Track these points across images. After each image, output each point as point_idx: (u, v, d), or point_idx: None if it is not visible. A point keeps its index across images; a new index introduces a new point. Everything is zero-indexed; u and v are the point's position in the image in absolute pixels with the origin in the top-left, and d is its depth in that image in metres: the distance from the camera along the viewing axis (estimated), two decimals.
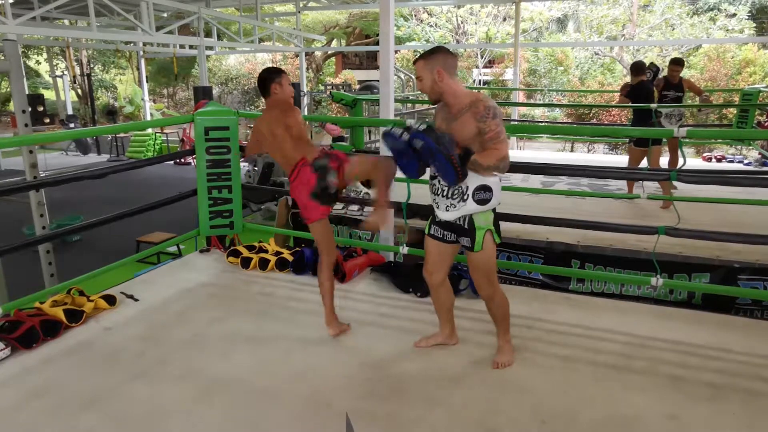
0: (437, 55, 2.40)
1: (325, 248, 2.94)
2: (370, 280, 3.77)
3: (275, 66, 2.99)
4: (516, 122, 11.11)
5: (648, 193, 5.18)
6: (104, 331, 3.06)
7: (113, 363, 2.71)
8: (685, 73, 15.38)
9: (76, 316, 3.09)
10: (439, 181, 2.46)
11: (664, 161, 5.93)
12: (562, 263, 4.39)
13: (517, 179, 6.49)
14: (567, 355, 2.77)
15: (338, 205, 5.22)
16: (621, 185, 5.97)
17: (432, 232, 2.64)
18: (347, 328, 3.01)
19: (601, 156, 12.02)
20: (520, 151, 11.54)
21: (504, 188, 5.23)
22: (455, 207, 2.44)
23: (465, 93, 2.42)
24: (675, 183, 3.57)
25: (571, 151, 13.98)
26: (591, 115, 15.14)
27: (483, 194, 2.41)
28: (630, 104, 5.61)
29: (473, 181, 2.37)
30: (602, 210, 5.15)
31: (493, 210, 2.50)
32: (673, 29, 17.61)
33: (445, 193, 2.45)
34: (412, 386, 2.50)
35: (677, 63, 5.84)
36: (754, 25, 17.28)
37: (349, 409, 2.24)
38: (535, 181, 6.45)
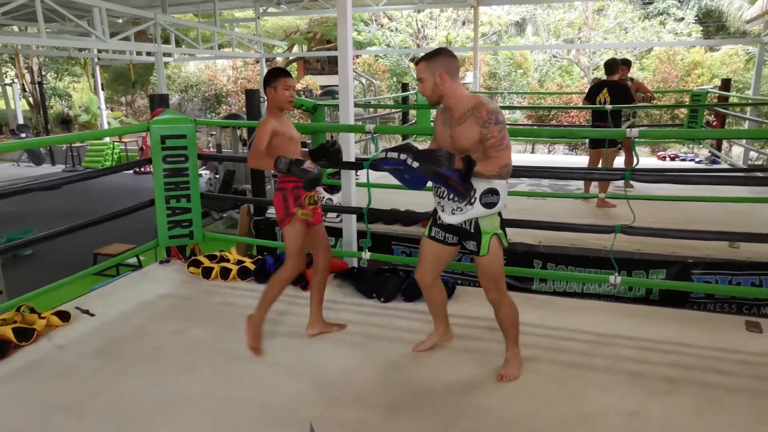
0: (439, 57, 2.35)
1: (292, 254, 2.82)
2: (333, 286, 3.74)
3: (279, 67, 2.92)
4: None
5: (609, 192, 5.30)
6: (57, 349, 2.94)
7: (66, 382, 2.61)
8: (638, 75, 15.88)
9: (26, 335, 2.96)
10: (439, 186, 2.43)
11: (619, 161, 6.07)
12: (524, 264, 4.45)
13: None
14: (529, 355, 2.79)
15: None
16: (581, 185, 6.10)
17: (433, 234, 2.60)
18: (260, 349, 2.80)
19: (561, 156, 12.29)
20: None
21: None
22: (462, 210, 2.40)
23: (467, 96, 2.37)
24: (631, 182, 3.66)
25: (532, 152, 14.24)
26: (551, 116, 15.46)
27: (490, 197, 2.36)
28: (588, 106, 5.74)
29: (480, 184, 2.33)
30: (563, 210, 5.25)
31: (499, 213, 2.46)
32: (626, 32, 18.17)
33: (451, 196, 2.40)
34: (375, 393, 2.49)
35: (624, 64, 6.01)
36: (701, 28, 17.99)
37: (314, 418, 2.21)
38: None
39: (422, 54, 2.46)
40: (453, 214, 2.43)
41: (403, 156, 2.26)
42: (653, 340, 2.92)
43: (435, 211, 2.58)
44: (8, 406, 2.43)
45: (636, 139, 3.18)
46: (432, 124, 2.75)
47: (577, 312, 3.32)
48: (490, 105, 2.31)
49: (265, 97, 2.85)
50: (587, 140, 6.32)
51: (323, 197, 5.28)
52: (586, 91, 6.07)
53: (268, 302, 2.82)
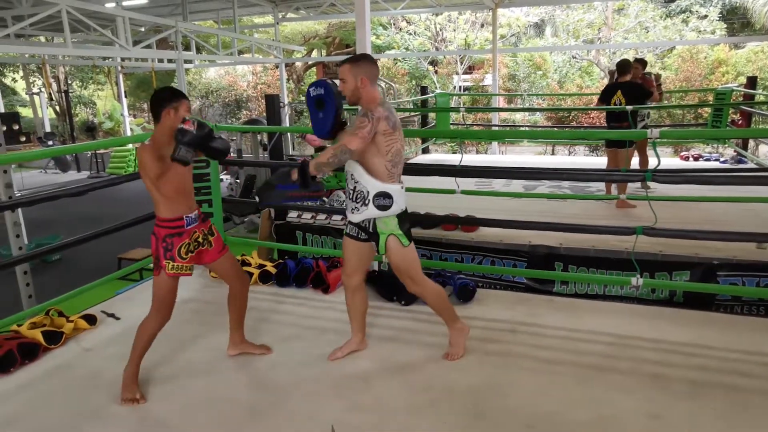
0: (363, 63, 2.54)
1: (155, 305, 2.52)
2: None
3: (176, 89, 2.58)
4: (497, 127, 11.20)
5: (628, 193, 5.25)
6: (84, 352, 3.01)
7: (94, 385, 2.66)
8: (661, 74, 15.66)
9: (55, 338, 3.03)
10: (347, 184, 2.61)
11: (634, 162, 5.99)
12: (545, 266, 4.42)
13: (499, 184, 6.54)
14: (551, 358, 2.78)
15: (321, 216, 5.21)
16: (602, 187, 6.04)
17: (348, 231, 2.74)
18: (137, 399, 2.49)
19: (581, 158, 12.16)
20: (501, 156, 11.63)
21: (486, 193, 5.29)
22: (359, 210, 2.57)
23: (375, 102, 2.50)
24: (650, 183, 3.61)
25: (552, 153, 14.12)
26: (570, 117, 15.32)
27: (382, 200, 2.52)
28: (603, 107, 5.69)
29: (373, 187, 2.50)
30: (583, 212, 5.20)
31: (401, 215, 2.59)
32: (647, 31, 17.93)
33: (350, 197, 2.59)
34: (396, 396, 2.50)
35: (639, 62, 5.95)
36: (725, 26, 17.66)
37: (335, 421, 2.23)
38: (517, 185, 6.50)
39: (347, 57, 2.62)
40: (353, 213, 2.60)
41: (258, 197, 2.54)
42: (677, 343, 2.88)
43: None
44: (38, 408, 2.49)
45: (657, 140, 3.14)
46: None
47: (598, 314, 3.29)
48: (376, 110, 2.43)
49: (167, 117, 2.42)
50: (604, 141, 6.27)
51: (342, 200, 5.31)
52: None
53: (137, 355, 2.52)
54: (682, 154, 9.69)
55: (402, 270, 2.65)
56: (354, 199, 2.57)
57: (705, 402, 2.37)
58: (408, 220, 2.65)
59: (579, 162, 10.01)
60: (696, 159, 9.02)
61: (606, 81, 16.49)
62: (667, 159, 9.85)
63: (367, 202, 2.53)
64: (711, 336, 2.94)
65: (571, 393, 2.48)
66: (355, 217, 2.60)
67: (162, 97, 2.44)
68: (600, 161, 9.71)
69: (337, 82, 2.61)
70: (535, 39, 19.49)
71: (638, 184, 5.96)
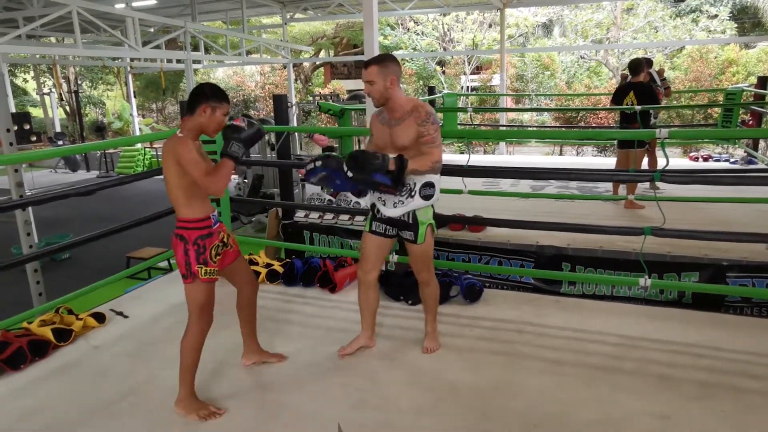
0: (391, 63, 2.55)
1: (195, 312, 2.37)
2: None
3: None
4: (504, 128, 11.18)
5: (636, 194, 5.22)
6: (93, 349, 3.03)
7: (102, 382, 2.68)
8: (670, 75, 15.56)
9: (64, 336, 3.06)
10: None
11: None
12: (552, 266, 4.41)
13: (506, 184, 6.52)
14: (557, 358, 2.77)
15: (328, 215, 5.22)
16: (610, 187, 6.01)
17: (373, 229, 2.74)
18: (213, 411, 2.38)
19: (589, 158, 12.11)
20: (509, 156, 11.60)
21: (493, 193, 5.28)
22: (403, 203, 2.59)
23: (407, 100, 2.59)
24: (659, 184, 3.59)
25: (560, 154, 14.08)
26: (579, 117, 15.26)
27: (428, 190, 2.58)
28: (615, 107, 5.67)
29: (419, 179, 2.55)
30: (591, 212, 5.17)
31: (432, 206, 2.68)
32: (657, 31, 17.83)
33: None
34: (402, 395, 2.50)
35: (644, 61, 5.91)
36: (735, 25, 17.53)
37: (341, 420, 2.24)
38: (525, 185, 6.48)
39: (370, 59, 2.61)
40: (395, 206, 2.61)
41: (335, 164, 2.44)
42: (685, 344, 2.86)
43: (373, 206, 2.73)
44: (49, 404, 2.52)
45: (666, 140, 3.13)
46: (369, 126, 2.90)
47: (605, 315, 3.28)
48: (428, 107, 2.55)
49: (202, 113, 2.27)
50: (616, 142, 6.23)
51: (351, 201, 5.32)
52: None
53: (187, 374, 2.37)
54: (691, 154, 9.63)
55: (425, 258, 2.72)
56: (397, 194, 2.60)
57: (714, 404, 2.35)
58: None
59: (587, 162, 9.97)
60: (705, 159, 8.96)
61: (615, 81, 16.44)
62: (676, 159, 9.79)
63: (413, 193, 2.56)
64: (720, 337, 2.92)
65: (577, 393, 2.47)
66: (397, 211, 2.61)
67: (204, 92, 2.28)
68: (608, 162, 9.67)
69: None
70: (543, 39, 19.44)
71: (647, 185, 5.96)
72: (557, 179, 5.66)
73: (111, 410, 2.44)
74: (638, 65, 5.55)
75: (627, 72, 5.84)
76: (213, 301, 2.40)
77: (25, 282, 4.24)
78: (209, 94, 2.27)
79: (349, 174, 2.37)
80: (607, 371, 2.64)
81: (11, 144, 3.87)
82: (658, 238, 3.27)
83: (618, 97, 5.61)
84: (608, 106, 6.11)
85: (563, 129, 13.81)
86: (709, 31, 17.17)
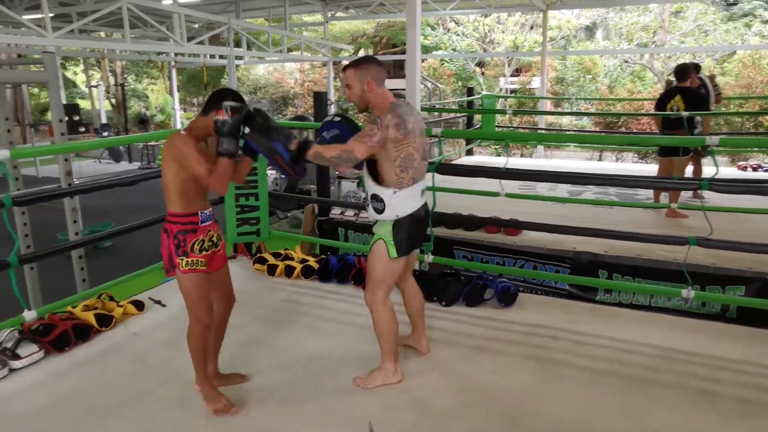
0: (368, 65, 2.42)
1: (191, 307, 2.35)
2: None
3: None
4: (543, 131, 11.01)
5: (679, 202, 5.07)
6: (132, 336, 3.13)
7: (140, 369, 2.76)
8: (719, 80, 15.05)
9: (105, 321, 3.16)
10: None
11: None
12: (588, 273, 4.32)
13: (543, 188, 6.43)
14: (592, 366, 2.72)
15: (364, 213, 5.24)
16: (650, 195, 5.86)
17: None
18: (228, 407, 2.38)
19: (630, 165, 11.81)
20: (546, 160, 11.42)
21: (530, 197, 5.21)
22: (366, 210, 2.53)
23: (385, 106, 2.41)
24: (705, 193, 3.48)
25: (599, 159, 13.78)
26: (620, 123, 14.91)
27: (375, 203, 2.44)
28: (659, 113, 5.52)
29: (369, 189, 2.46)
30: (630, 219, 5.06)
31: (400, 224, 2.44)
32: (707, 35, 17.26)
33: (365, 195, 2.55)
34: (433, 396, 2.49)
35: (693, 69, 5.73)
36: None
37: (372, 418, 2.24)
38: (562, 190, 6.38)
39: (350, 62, 2.50)
40: (367, 210, 2.54)
41: (351, 127, 2.41)
42: (728, 359, 2.77)
43: None
44: (90, 387, 2.61)
45: (715, 148, 3.03)
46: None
47: (643, 325, 3.19)
48: (387, 113, 2.34)
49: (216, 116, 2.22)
50: (657, 148, 6.06)
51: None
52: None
53: (199, 366, 2.39)
54: (739, 164, 9.30)
55: (369, 274, 2.53)
56: (365, 198, 2.55)
57: (757, 423, 2.27)
58: (412, 232, 2.49)
59: (628, 169, 9.73)
60: (755, 169, 8.63)
61: (660, 86, 15.99)
62: (723, 168, 9.47)
63: (367, 203, 2.50)
64: (766, 354, 2.82)
65: (611, 404, 2.42)
66: (368, 215, 2.55)
67: (221, 95, 2.27)
68: (649, 168, 9.42)
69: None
70: (585, 42, 19.05)
71: (689, 194, 5.78)
72: (598, 184, 5.54)
73: (147, 397, 2.51)
74: (685, 70, 5.39)
75: (672, 77, 5.67)
76: (204, 296, 2.34)
77: (70, 267, 4.38)
78: (226, 99, 2.25)
79: (247, 130, 2.24)
80: (643, 383, 2.58)
81: (62, 134, 4.01)
82: (702, 249, 3.17)
83: (662, 101, 5.45)
84: (652, 111, 5.94)
85: (605, 134, 13.50)
86: (763, 35, 16.52)
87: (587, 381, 2.60)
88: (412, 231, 2.49)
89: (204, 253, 2.34)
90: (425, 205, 2.59)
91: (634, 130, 14.38)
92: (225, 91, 2.29)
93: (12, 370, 2.70)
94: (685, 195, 5.66)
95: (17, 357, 2.74)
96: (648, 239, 3.46)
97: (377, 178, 2.44)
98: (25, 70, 8.56)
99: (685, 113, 5.16)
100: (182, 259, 2.29)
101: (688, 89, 5.31)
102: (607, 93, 17.15)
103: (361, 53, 23.27)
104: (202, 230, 2.35)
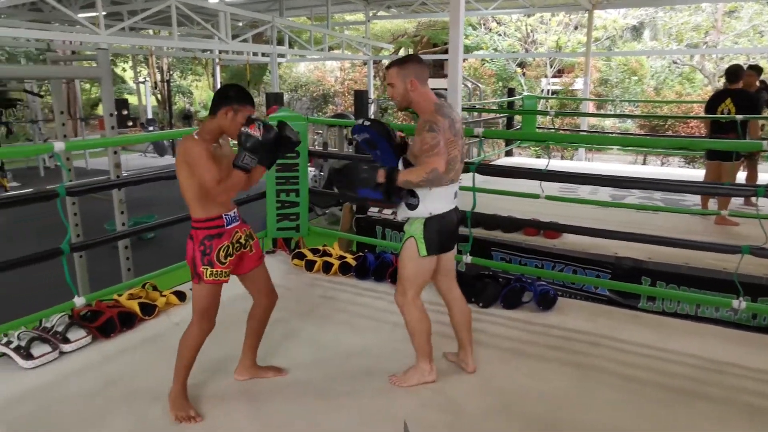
0: (411, 64, 2.40)
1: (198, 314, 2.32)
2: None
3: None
4: (585, 133, 10.78)
5: (729, 209, 4.89)
6: (174, 326, 3.20)
7: None
8: None
9: (149, 310, 3.25)
10: None
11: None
12: (630, 280, 4.21)
13: (584, 191, 6.30)
14: (634, 375, 2.65)
15: (388, 210, 5.22)
16: (698, 201, 5.66)
17: None
18: (193, 416, 2.33)
19: (676, 169, 11.45)
20: (587, 163, 11.18)
21: (571, 200, 5.10)
22: (402, 208, 2.48)
23: (429, 109, 2.38)
24: (760, 200, 3.34)
25: (644, 163, 13.41)
26: (666, 126, 14.46)
27: (409, 199, 2.41)
28: (709, 116, 5.33)
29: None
30: (675, 226, 4.90)
31: (431, 223, 2.41)
32: (762, 36, 16.57)
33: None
34: (469, 397, 2.47)
35: (754, 70, 5.50)
36: None
37: (407, 417, 2.24)
38: (604, 193, 6.23)
39: (393, 60, 2.47)
40: (400, 209, 2.51)
41: (381, 130, 2.41)
42: None
43: None
44: (133, 373, 2.69)
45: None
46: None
47: (689, 335, 3.09)
48: (430, 115, 2.33)
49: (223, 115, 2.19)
50: (705, 152, 5.86)
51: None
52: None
53: (182, 371, 2.36)
54: None
55: (401, 272, 2.51)
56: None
57: None
58: (443, 232, 2.45)
59: (674, 173, 9.43)
60: None
61: (710, 89, 15.45)
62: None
63: (403, 200, 2.47)
64: None
65: (653, 414, 2.35)
66: (399, 215, 2.52)
67: (227, 94, 2.20)
68: (696, 174, 9.10)
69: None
70: (631, 42, 18.54)
71: (741, 201, 5.56)
72: (643, 189, 5.39)
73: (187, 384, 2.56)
74: (737, 71, 5.19)
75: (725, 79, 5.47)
76: (217, 306, 2.34)
77: (115, 257, 4.53)
78: (233, 96, 2.19)
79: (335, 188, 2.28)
80: (688, 395, 2.49)
81: (113, 127, 4.15)
82: (755, 259, 3.05)
83: (712, 104, 5.26)
84: (701, 115, 5.75)
85: (654, 137, 13.13)
86: None
87: (629, 390, 2.53)
88: (443, 231, 2.46)
89: (230, 259, 2.30)
90: (456, 208, 2.54)
91: (682, 134, 13.94)
92: (229, 88, 2.25)
93: (62, 353, 2.82)
94: (737, 202, 5.45)
95: (67, 341, 2.85)
96: (699, 246, 3.35)
97: None
98: (79, 66, 8.90)
99: (739, 116, 4.97)
100: (206, 269, 2.25)
101: (740, 91, 5.11)
102: (654, 95, 16.67)
103: (402, 53, 23.27)
104: (228, 234, 2.30)
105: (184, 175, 2.20)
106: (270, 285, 2.55)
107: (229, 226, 2.31)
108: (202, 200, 2.23)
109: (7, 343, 2.76)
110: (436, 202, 2.41)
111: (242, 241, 2.38)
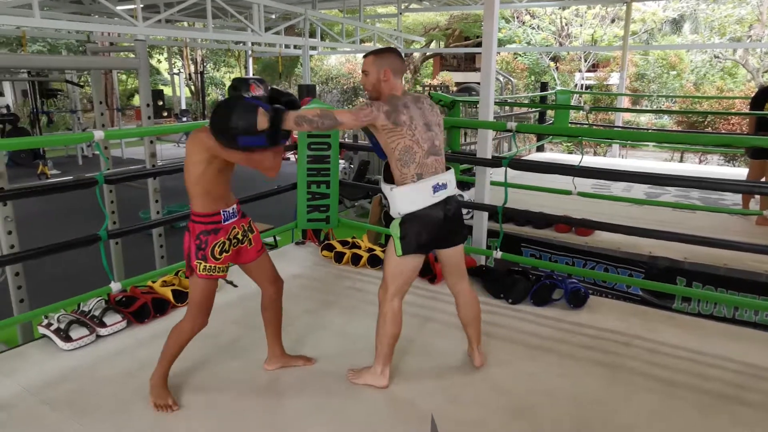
0: (388, 55, 2.38)
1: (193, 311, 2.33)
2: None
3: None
4: (620, 129, 10.55)
5: None
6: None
7: (212, 345, 2.87)
8: None
9: (182, 297, 3.31)
10: None
11: None
12: (665, 280, 4.12)
13: (618, 188, 6.17)
14: (669, 378, 2.59)
15: None
16: (738, 200, 5.49)
17: None
18: (170, 405, 2.32)
19: (715, 168, 11.12)
20: (621, 159, 10.96)
21: (604, 197, 5.01)
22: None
23: (387, 94, 2.36)
24: None
25: (681, 161, 13.06)
26: (706, 123, 14.05)
27: (384, 200, 2.43)
28: (754, 112, 5.15)
29: (384, 188, 2.42)
30: (713, 225, 4.77)
31: (406, 221, 2.34)
32: None
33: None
34: (496, 395, 2.45)
35: None
36: None
37: (435, 412, 2.23)
38: (638, 191, 6.09)
39: (371, 50, 2.45)
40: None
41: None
42: None
43: None
44: None
45: None
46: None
47: (726, 338, 3.00)
48: (383, 98, 2.34)
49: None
50: (748, 151, 5.67)
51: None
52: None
53: (167, 359, 2.35)
54: None
55: (385, 273, 2.46)
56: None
57: None
58: (422, 231, 2.34)
59: (713, 172, 9.16)
60: None
61: (753, 84, 14.95)
62: None
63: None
64: None
65: (689, 419, 2.29)
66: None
67: (236, 87, 2.20)
68: (737, 172, 8.83)
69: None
70: (671, 36, 18.04)
71: None
72: (680, 186, 5.26)
73: (216, 372, 2.62)
74: None
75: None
76: (211, 302, 2.33)
77: (149, 244, 4.63)
78: (243, 90, 2.16)
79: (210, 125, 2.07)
80: (727, 400, 2.42)
81: (149, 117, 4.23)
82: None
83: (759, 100, 5.09)
84: (744, 111, 5.57)
85: (694, 133, 12.79)
86: None
87: (663, 392, 2.47)
88: (423, 230, 2.34)
89: (225, 255, 2.29)
90: (446, 203, 2.40)
91: (722, 131, 13.54)
92: (242, 81, 2.21)
93: (98, 337, 2.90)
94: None
95: (103, 325, 2.92)
96: (739, 247, 3.24)
97: (389, 178, 2.41)
98: (116, 57, 9.10)
99: None
100: (200, 263, 2.25)
101: None
102: (693, 90, 16.21)
103: (433, 45, 23.14)
104: (225, 230, 2.30)
105: (196, 167, 2.19)
106: (274, 273, 2.54)
107: (227, 223, 2.32)
108: (207, 195, 2.25)
109: (48, 325, 2.85)
110: (403, 201, 2.33)
111: (239, 236, 2.38)
